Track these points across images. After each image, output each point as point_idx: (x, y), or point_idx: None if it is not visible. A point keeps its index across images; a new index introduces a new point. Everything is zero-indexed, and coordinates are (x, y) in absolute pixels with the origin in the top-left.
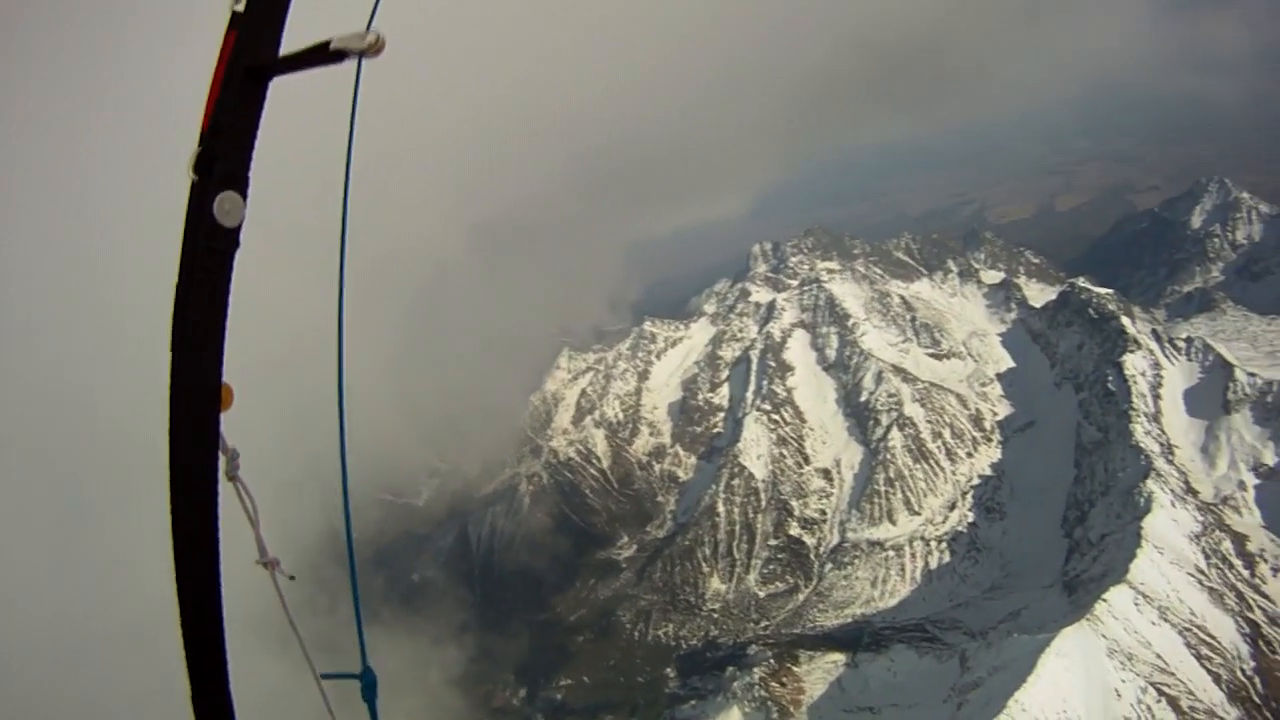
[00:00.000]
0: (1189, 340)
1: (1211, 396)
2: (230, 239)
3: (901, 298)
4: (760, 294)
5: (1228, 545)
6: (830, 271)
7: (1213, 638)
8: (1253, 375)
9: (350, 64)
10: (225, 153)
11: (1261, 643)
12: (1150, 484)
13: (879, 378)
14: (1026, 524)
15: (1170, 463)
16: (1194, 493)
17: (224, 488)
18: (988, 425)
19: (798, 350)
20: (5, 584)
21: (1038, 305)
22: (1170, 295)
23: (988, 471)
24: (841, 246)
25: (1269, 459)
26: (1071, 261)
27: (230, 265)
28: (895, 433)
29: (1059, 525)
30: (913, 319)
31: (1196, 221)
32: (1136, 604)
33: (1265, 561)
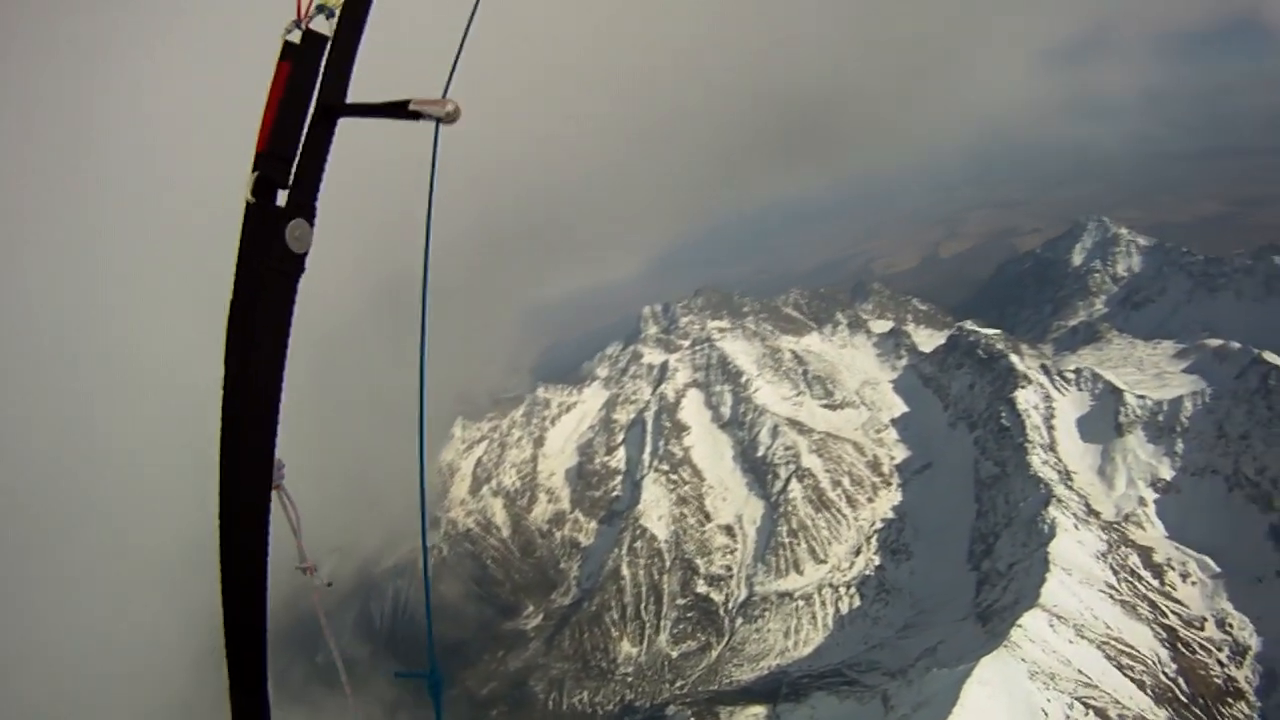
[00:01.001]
0: (1077, 371)
1: (1104, 421)
2: (299, 264)
3: (793, 352)
4: (652, 355)
5: (1135, 559)
6: (721, 330)
7: (1131, 647)
8: (1142, 397)
9: (425, 126)
10: (300, 183)
11: (1180, 645)
12: (1052, 510)
13: (775, 432)
14: (933, 562)
15: (1070, 488)
16: (1096, 514)
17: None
18: (886, 470)
19: (692, 409)
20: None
21: (927, 350)
22: (1056, 330)
23: (890, 515)
24: (731, 305)
25: (1165, 474)
26: (958, 306)
27: (295, 289)
28: (795, 484)
29: (966, 560)
30: (805, 372)
31: (1078, 259)
32: (1051, 625)
33: (1173, 570)
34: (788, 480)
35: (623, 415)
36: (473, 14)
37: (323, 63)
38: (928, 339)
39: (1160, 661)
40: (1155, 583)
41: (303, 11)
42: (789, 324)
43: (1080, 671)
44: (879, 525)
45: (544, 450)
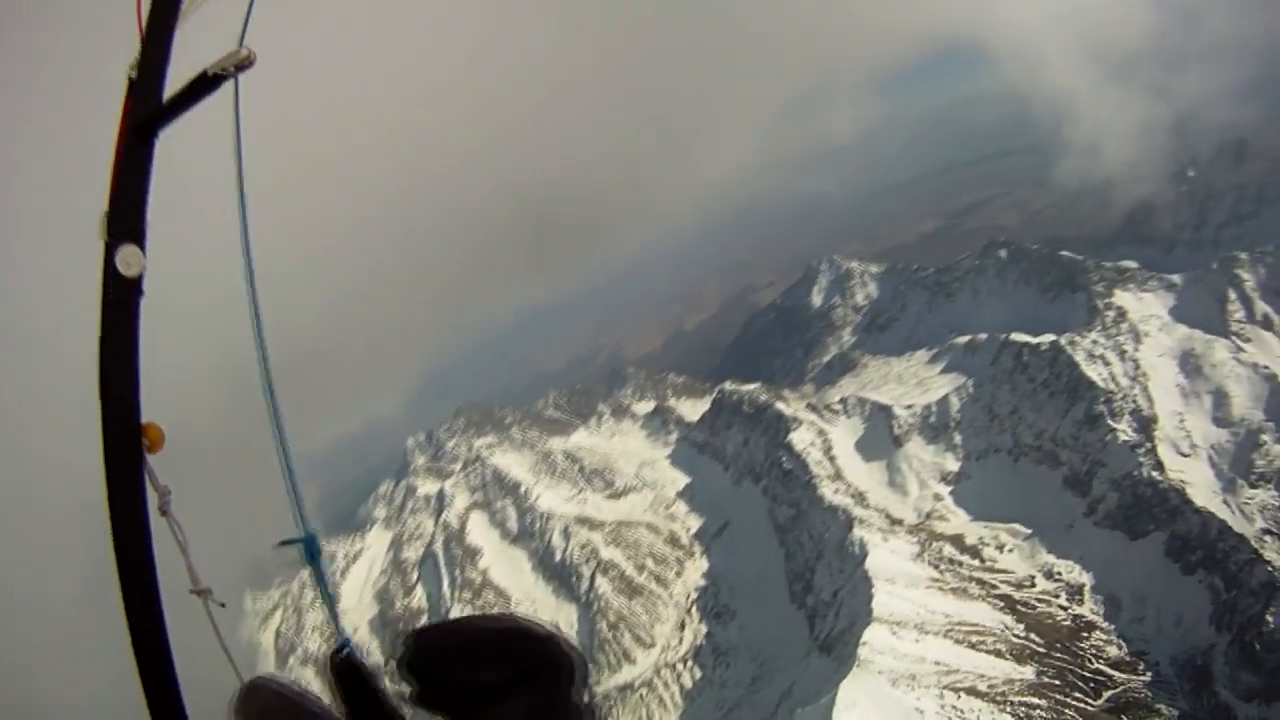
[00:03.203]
0: (843, 401)
1: (881, 438)
2: (134, 288)
3: (564, 452)
4: (427, 486)
5: (949, 549)
6: (489, 446)
7: (975, 625)
8: (909, 406)
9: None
10: (123, 210)
11: (1019, 606)
12: (856, 532)
13: (567, 534)
14: (759, 613)
15: (867, 507)
16: (899, 522)
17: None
18: (685, 541)
19: (480, 531)
20: None
21: (694, 420)
22: (813, 370)
23: (702, 582)
24: (494, 419)
25: (952, 466)
26: (713, 371)
27: (136, 313)
28: (601, 580)
29: (790, 601)
30: (581, 469)
31: (817, 300)
32: (893, 632)
33: (987, 546)
34: (592, 577)
35: (412, 553)
36: None
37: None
38: (692, 409)
39: (1007, 627)
40: (975, 562)
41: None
42: (554, 426)
43: (937, 663)
44: (695, 595)
45: (340, 607)
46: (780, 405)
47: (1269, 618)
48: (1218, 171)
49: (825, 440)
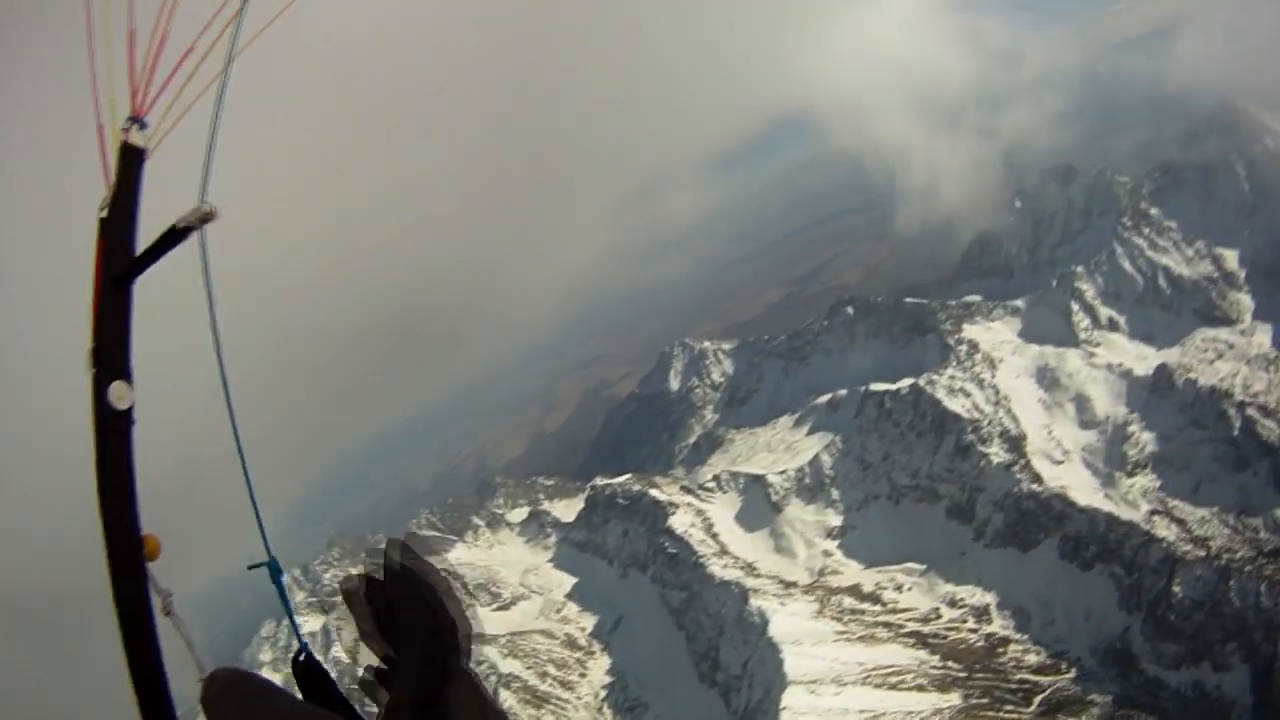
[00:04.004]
0: (716, 478)
1: (760, 508)
2: (126, 419)
3: (444, 570)
4: (310, 622)
5: (848, 601)
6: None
7: (891, 666)
8: (782, 472)
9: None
10: (109, 350)
11: (931, 639)
12: (753, 602)
13: None
14: (672, 700)
15: (759, 576)
16: (793, 584)
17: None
18: (583, 642)
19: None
20: None
21: (570, 519)
22: (681, 453)
23: (608, 679)
24: (367, 545)
25: (835, 521)
26: (581, 468)
27: (130, 440)
28: (504, 694)
29: (700, 682)
30: (464, 585)
31: (675, 384)
32: (812, 691)
33: (885, 589)
34: (495, 693)
35: None
36: (217, 111)
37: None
38: (566, 509)
39: (923, 661)
40: (877, 607)
41: (109, 185)
42: (431, 545)
43: (862, 711)
44: (603, 693)
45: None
46: (654, 492)
47: (1175, 588)
48: (1046, 196)
49: (705, 519)
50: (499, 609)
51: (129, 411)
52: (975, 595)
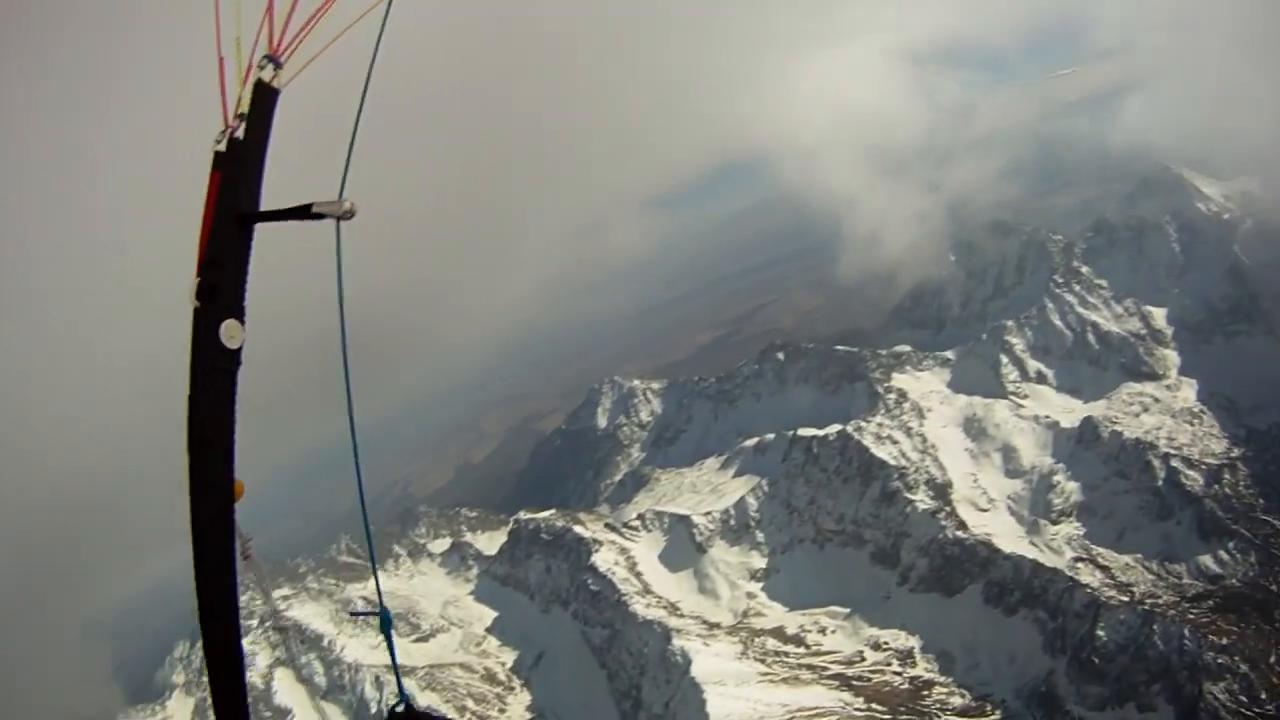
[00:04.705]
0: (640, 517)
1: (684, 548)
2: (235, 359)
3: (364, 599)
4: None
5: (771, 642)
6: (285, 599)
7: (816, 708)
8: (707, 513)
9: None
10: (226, 287)
11: (854, 681)
12: (675, 642)
13: (378, 684)
14: None
15: (682, 616)
16: (717, 625)
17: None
18: (503, 677)
19: (287, 690)
20: None
21: (493, 552)
22: (606, 490)
23: (527, 716)
24: (286, 570)
25: (759, 564)
26: (506, 501)
27: (235, 381)
28: None
29: None
30: None
31: (603, 421)
32: None
33: (810, 632)
34: None
35: None
36: (359, 117)
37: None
38: (489, 542)
39: (847, 703)
40: (801, 649)
41: (228, 119)
42: (351, 572)
43: None
44: None
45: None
46: (578, 529)
47: (1099, 631)
48: (981, 251)
49: (629, 558)
50: (418, 640)
51: (238, 351)
52: (899, 639)
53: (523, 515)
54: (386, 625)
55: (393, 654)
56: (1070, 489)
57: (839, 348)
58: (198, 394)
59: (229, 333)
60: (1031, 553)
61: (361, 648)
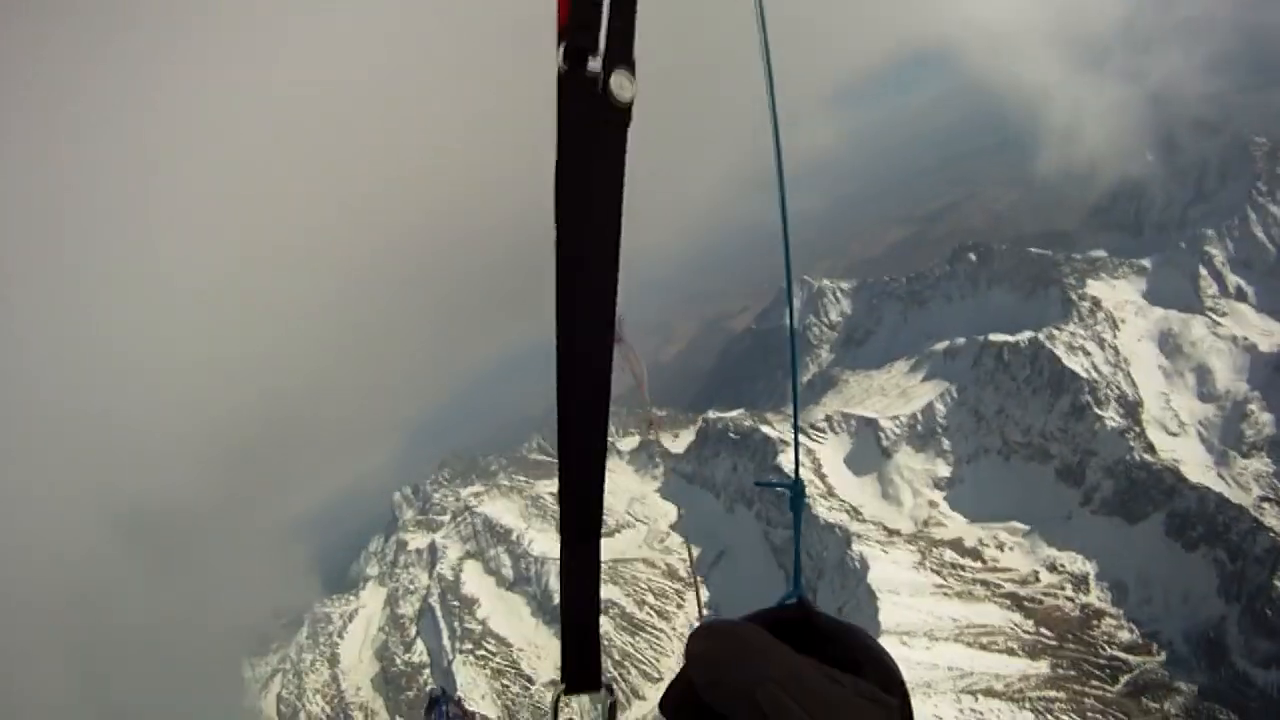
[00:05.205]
0: (828, 418)
1: (869, 452)
2: (626, 114)
3: (552, 494)
4: (417, 539)
5: (949, 554)
6: (476, 495)
7: (984, 626)
8: (894, 417)
9: None
10: (614, 36)
11: (1026, 603)
12: (856, 547)
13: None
14: None
15: (863, 521)
16: (897, 532)
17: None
18: (683, 573)
19: (475, 581)
20: None
21: (680, 451)
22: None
23: (705, 612)
24: (479, 467)
25: (944, 472)
26: (694, 401)
27: (625, 138)
28: (602, 619)
29: None
30: None
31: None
32: (904, 642)
33: (988, 547)
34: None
35: (408, 608)
36: None
37: None
38: (676, 441)
39: (1016, 625)
40: (978, 564)
41: None
42: (540, 469)
43: (950, 669)
44: (696, 624)
45: (341, 667)
46: (765, 429)
47: (1277, 582)
48: (1181, 151)
49: (814, 459)
50: (604, 536)
51: (629, 109)
52: (1076, 562)
53: (711, 414)
54: (798, 499)
55: (797, 535)
56: (1265, 421)
57: (1033, 250)
58: (577, 157)
59: (620, 84)
60: (1218, 486)
61: (549, 542)
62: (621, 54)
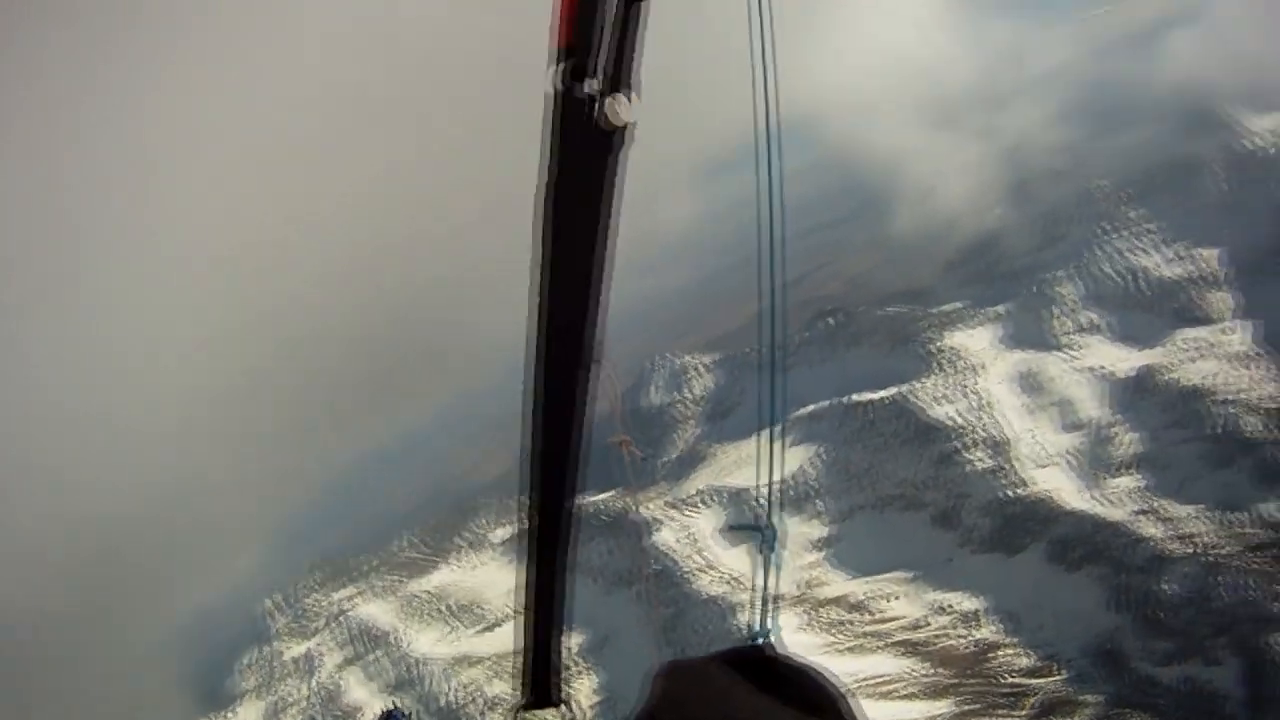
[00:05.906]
0: (699, 492)
1: (744, 523)
2: (620, 138)
3: (428, 592)
4: (293, 649)
5: (836, 612)
6: (350, 598)
7: (881, 677)
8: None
9: None
10: (615, 62)
11: (920, 647)
12: (739, 617)
13: (448, 676)
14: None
15: (746, 590)
16: (780, 597)
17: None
18: (569, 661)
19: (356, 689)
20: None
21: None
22: (663, 468)
23: (598, 698)
24: (349, 569)
25: (820, 532)
26: None
27: (617, 163)
28: (491, 716)
29: None
30: (448, 607)
31: (656, 399)
32: None
33: (874, 599)
34: (482, 715)
35: None
36: None
37: None
38: None
39: (913, 669)
40: (866, 618)
41: None
42: (414, 568)
43: None
44: (594, 713)
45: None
46: (641, 510)
47: (1164, 586)
48: (1028, 200)
49: (690, 534)
50: (484, 630)
51: (623, 132)
52: (964, 601)
53: (581, 500)
54: (768, 543)
55: (766, 578)
56: (1129, 440)
57: (890, 309)
58: (571, 178)
59: (615, 109)
60: (1093, 508)
61: (430, 642)
62: (624, 76)
